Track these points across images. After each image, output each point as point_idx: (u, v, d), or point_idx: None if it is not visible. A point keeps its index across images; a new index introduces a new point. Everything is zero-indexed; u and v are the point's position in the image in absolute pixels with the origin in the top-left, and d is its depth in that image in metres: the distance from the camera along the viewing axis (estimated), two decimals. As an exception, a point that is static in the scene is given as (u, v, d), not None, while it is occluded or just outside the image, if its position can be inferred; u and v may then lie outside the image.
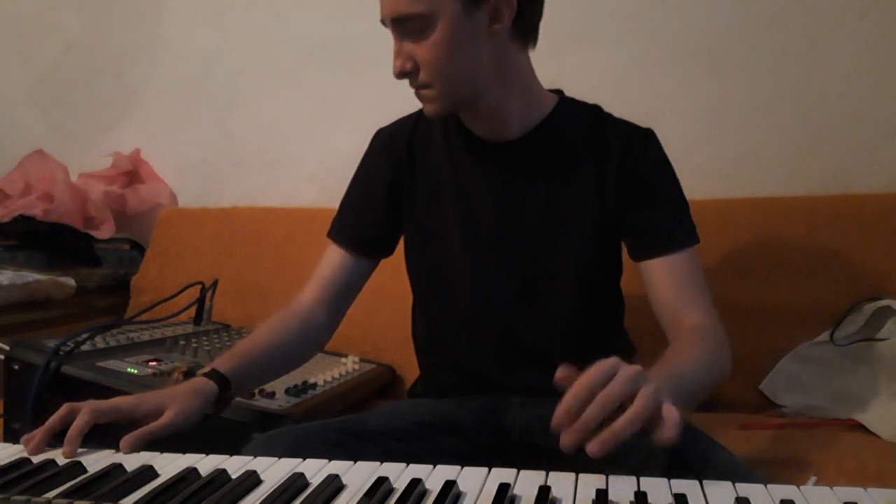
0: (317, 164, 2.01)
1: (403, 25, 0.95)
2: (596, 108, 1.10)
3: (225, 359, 0.97)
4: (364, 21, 1.98)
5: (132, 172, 2.15)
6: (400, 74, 0.98)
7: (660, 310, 1.02)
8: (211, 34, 2.10)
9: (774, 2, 1.67)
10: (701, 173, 1.71)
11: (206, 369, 0.93)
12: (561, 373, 0.69)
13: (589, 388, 0.65)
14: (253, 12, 2.05)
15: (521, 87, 1.04)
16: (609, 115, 1.09)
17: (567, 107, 1.09)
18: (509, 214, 1.07)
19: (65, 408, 0.80)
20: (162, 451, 0.74)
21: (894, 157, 1.63)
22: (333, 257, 1.13)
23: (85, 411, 0.79)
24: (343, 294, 1.13)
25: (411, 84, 0.99)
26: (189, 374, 0.96)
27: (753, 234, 1.55)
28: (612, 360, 0.68)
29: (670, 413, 0.65)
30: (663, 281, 1.01)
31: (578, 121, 1.08)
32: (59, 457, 0.73)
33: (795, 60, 1.67)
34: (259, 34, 2.05)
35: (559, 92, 1.11)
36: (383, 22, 0.98)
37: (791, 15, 1.66)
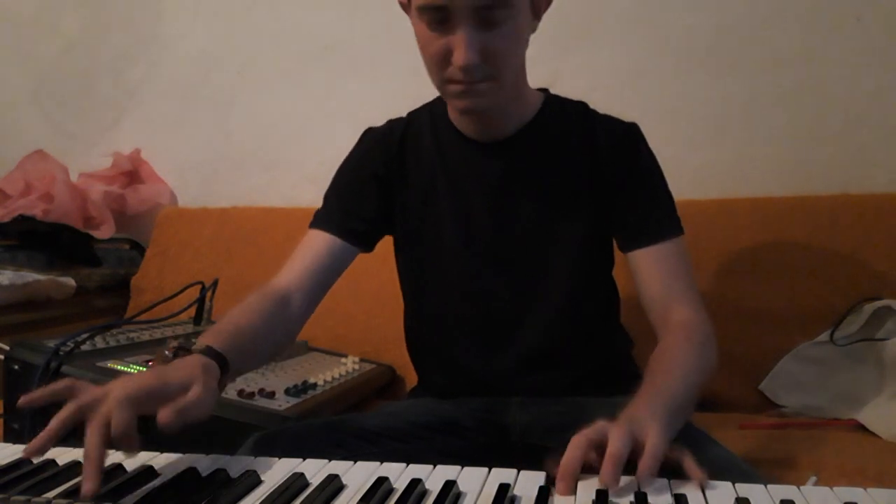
0: (317, 164, 2.00)
1: (486, 13, 0.90)
2: (582, 105, 1.11)
3: (215, 337, 0.85)
4: (365, 21, 2.00)
5: (132, 172, 2.15)
6: (471, 66, 0.92)
7: (648, 303, 1.02)
8: (211, 34, 2.10)
9: (774, 2, 1.67)
10: (701, 173, 1.71)
11: (201, 347, 0.82)
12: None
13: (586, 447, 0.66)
14: (253, 12, 2.05)
15: (521, 87, 1.06)
16: (594, 112, 1.11)
17: (554, 104, 1.10)
18: (503, 212, 1.07)
19: (71, 407, 0.67)
20: (162, 451, 0.74)
21: (894, 157, 1.63)
22: (317, 243, 1.08)
23: (123, 408, 0.65)
24: (322, 282, 1.07)
25: (470, 76, 0.93)
26: (182, 349, 0.85)
27: (753, 234, 1.55)
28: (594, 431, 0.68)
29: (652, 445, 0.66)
30: (651, 271, 1.02)
31: (566, 117, 1.09)
32: (59, 457, 0.73)
33: (795, 61, 1.67)
34: (259, 34, 2.05)
35: (545, 91, 1.12)
36: (440, 8, 0.90)
37: (791, 15, 1.66)
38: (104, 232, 2.01)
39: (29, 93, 2.27)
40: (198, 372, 0.75)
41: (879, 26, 1.62)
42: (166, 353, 0.87)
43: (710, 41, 1.71)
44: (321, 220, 1.11)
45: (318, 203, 2.01)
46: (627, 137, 1.08)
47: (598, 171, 1.05)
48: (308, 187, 2.01)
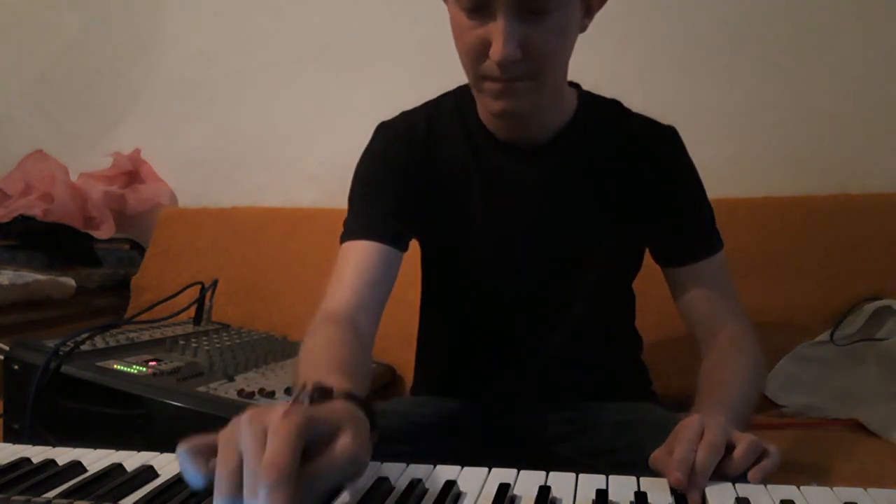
0: (317, 164, 2.01)
1: (531, 2, 0.81)
2: (616, 104, 1.06)
3: (343, 378, 0.69)
4: (364, 21, 2.00)
5: (132, 172, 2.15)
6: (508, 62, 0.82)
7: (695, 319, 0.99)
8: (211, 34, 2.10)
9: (774, 2, 1.67)
10: (701, 173, 1.70)
11: (342, 391, 0.63)
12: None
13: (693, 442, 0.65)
14: (253, 12, 2.05)
15: (562, 87, 0.99)
16: (630, 112, 1.06)
17: (590, 104, 1.04)
18: (539, 220, 1.02)
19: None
20: (162, 451, 0.74)
21: (894, 157, 1.63)
22: (366, 254, 0.96)
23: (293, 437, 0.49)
24: (381, 295, 0.97)
25: (508, 73, 0.84)
26: (321, 391, 0.62)
27: (753, 234, 1.55)
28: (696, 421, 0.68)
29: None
30: (699, 289, 0.99)
31: (603, 119, 1.03)
32: (59, 457, 0.73)
33: (795, 60, 1.67)
34: (259, 34, 2.05)
35: (576, 85, 1.06)
36: None
37: (791, 15, 1.66)
38: (104, 232, 2.01)
39: (29, 93, 2.27)
40: (350, 418, 0.56)
41: (880, 25, 1.62)
42: (301, 397, 0.61)
43: (710, 41, 1.71)
44: (361, 229, 0.98)
45: (319, 203, 2.01)
46: (669, 145, 1.03)
47: (637, 178, 1.00)
48: (308, 187, 2.02)
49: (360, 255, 0.96)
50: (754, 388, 0.89)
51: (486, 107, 0.92)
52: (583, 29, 0.92)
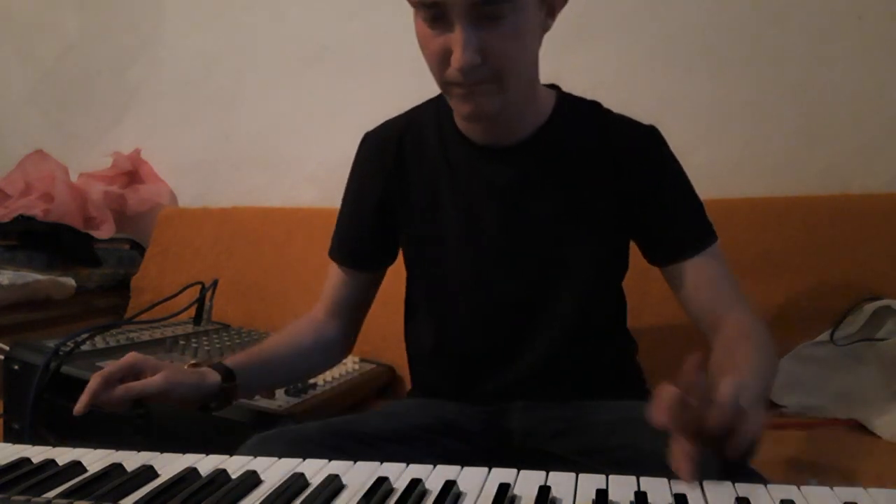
0: (317, 164, 2.01)
1: (486, 7, 0.83)
2: (595, 105, 1.07)
3: (235, 356, 1.01)
4: (364, 21, 2.00)
5: (132, 172, 2.16)
6: (470, 68, 0.85)
7: (697, 314, 1.00)
8: (211, 34, 2.10)
9: (774, 2, 1.67)
10: (701, 173, 1.68)
11: (213, 362, 0.98)
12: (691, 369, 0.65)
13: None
14: (253, 12, 2.06)
15: (535, 87, 1.00)
16: (610, 112, 1.06)
17: (567, 105, 1.05)
18: (513, 221, 1.02)
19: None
20: (162, 451, 0.74)
21: (894, 157, 1.63)
22: (336, 274, 1.13)
23: (94, 376, 0.88)
24: (352, 308, 1.14)
25: (470, 78, 0.87)
26: (197, 364, 1.00)
27: (753, 234, 1.55)
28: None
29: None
30: (698, 283, 0.99)
31: (581, 120, 1.03)
32: (59, 457, 0.73)
33: (795, 60, 1.67)
34: (259, 34, 2.06)
35: (555, 87, 1.07)
36: (435, 4, 0.84)
37: (791, 15, 1.66)
38: (104, 232, 2.02)
39: (29, 93, 2.28)
40: (177, 368, 0.92)
41: (880, 25, 1.62)
42: (185, 368, 0.98)
43: (710, 41, 1.71)
44: (335, 250, 1.14)
45: (318, 203, 2.02)
46: (649, 143, 1.03)
47: (618, 178, 1.01)
48: (308, 187, 2.02)
49: (332, 274, 1.13)
50: (769, 371, 0.87)
51: (456, 110, 0.96)
52: (546, 29, 0.94)
